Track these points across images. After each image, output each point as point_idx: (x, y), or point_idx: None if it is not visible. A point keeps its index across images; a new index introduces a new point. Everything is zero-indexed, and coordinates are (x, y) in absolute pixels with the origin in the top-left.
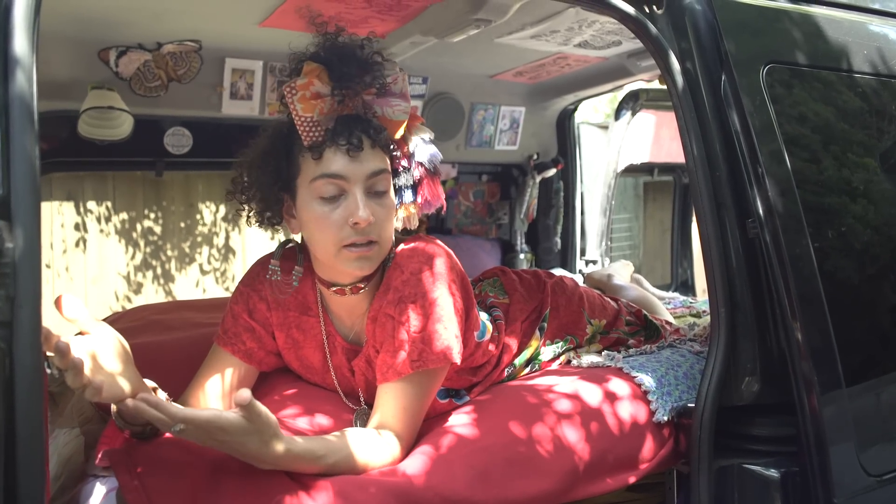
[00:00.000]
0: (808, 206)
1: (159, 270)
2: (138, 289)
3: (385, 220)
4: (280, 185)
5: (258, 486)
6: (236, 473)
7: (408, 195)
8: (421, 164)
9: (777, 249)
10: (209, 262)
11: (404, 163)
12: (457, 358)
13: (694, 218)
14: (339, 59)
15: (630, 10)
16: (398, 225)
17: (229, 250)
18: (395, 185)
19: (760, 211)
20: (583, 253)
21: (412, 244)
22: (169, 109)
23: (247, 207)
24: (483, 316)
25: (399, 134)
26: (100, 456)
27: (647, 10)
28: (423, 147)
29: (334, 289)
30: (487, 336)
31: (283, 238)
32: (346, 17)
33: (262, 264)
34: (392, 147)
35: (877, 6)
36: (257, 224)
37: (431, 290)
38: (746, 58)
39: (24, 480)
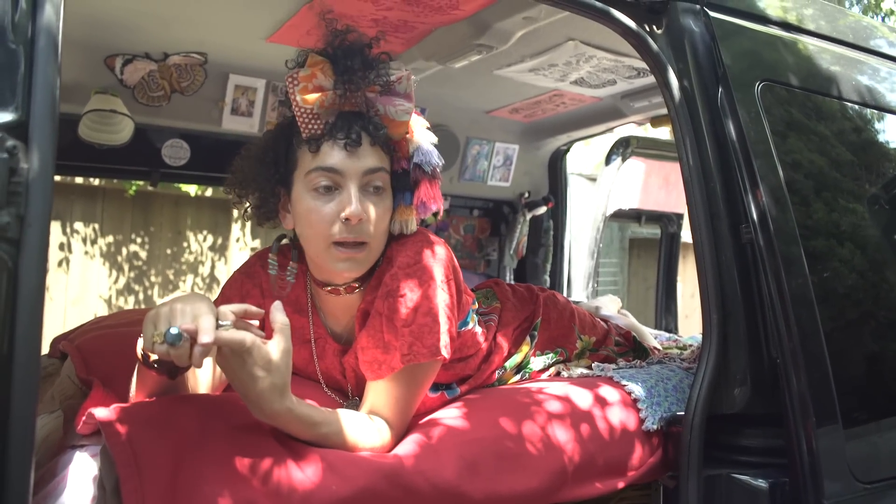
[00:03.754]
0: (800, 214)
1: (142, 296)
2: None
3: (379, 219)
4: (277, 178)
5: (245, 452)
6: (224, 438)
7: (405, 198)
8: (419, 166)
9: (770, 255)
10: (193, 291)
11: (404, 164)
12: (445, 352)
13: (679, 271)
14: (344, 53)
15: (632, 24)
16: (394, 228)
17: (214, 280)
18: (392, 188)
19: (755, 217)
20: (569, 295)
21: (405, 239)
22: (169, 120)
23: (244, 201)
24: (473, 306)
25: (401, 135)
26: (83, 420)
27: (647, 29)
28: (423, 150)
29: (328, 289)
30: (470, 326)
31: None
32: None
33: (259, 257)
34: (392, 147)
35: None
36: (254, 219)
37: (420, 284)
38: (743, 73)
39: (19, 385)
